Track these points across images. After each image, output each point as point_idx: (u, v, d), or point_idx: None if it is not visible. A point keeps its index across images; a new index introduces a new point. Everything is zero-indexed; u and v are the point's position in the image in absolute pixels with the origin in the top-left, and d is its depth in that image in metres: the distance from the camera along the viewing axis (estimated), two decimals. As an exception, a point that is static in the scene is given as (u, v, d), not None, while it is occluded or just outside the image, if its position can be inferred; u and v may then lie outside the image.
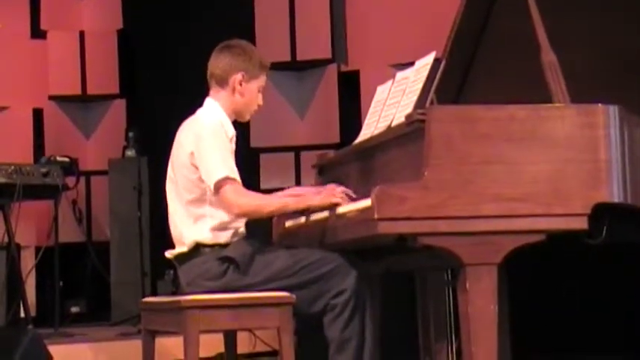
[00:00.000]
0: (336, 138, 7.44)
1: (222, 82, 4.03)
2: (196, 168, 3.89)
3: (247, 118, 4.14)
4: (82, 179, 7.44)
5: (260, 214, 3.97)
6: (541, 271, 5.07)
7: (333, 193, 3.90)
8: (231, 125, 4.02)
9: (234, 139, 4.02)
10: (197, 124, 3.97)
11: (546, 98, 3.66)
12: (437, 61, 3.96)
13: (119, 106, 8.22)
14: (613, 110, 3.54)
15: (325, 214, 3.91)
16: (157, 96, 8.01)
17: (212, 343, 4.81)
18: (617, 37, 4.27)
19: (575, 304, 5.23)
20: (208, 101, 4.06)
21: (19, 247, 6.47)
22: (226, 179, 3.82)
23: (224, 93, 4.04)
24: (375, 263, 4.16)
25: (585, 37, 4.21)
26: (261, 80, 4.08)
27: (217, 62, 4.04)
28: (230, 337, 4.25)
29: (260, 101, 4.09)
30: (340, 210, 3.80)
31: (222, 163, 3.84)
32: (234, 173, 3.86)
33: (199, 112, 4.05)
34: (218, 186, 3.83)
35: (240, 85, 4.02)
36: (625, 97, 3.82)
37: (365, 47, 7.51)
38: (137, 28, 8.24)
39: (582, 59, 4.13)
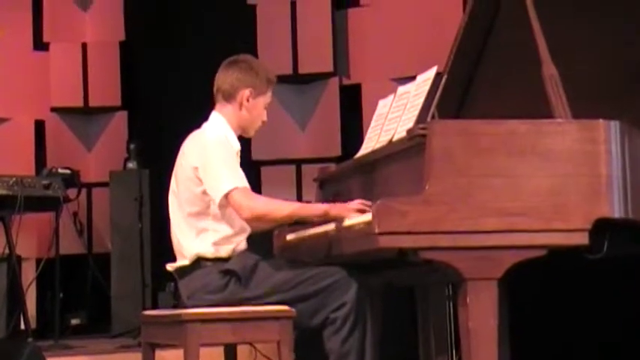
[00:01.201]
0: (337, 151, 7.45)
1: (230, 98, 4.03)
2: (200, 181, 3.89)
3: (252, 134, 4.14)
4: (84, 191, 7.44)
5: (272, 217, 3.95)
6: (542, 286, 5.07)
7: (354, 206, 3.79)
8: (236, 139, 4.02)
9: (239, 153, 4.02)
10: (202, 137, 3.97)
11: (547, 112, 3.66)
12: (438, 76, 3.97)
13: (121, 118, 8.22)
14: (614, 125, 3.54)
15: (326, 227, 3.90)
16: (158, 108, 8.01)
17: (212, 357, 4.80)
18: (618, 47, 4.28)
19: (575, 319, 5.23)
20: (214, 115, 4.06)
21: (19, 259, 6.46)
22: (235, 188, 3.82)
23: (230, 108, 4.04)
24: (376, 277, 4.16)
25: (587, 49, 4.21)
26: (268, 97, 4.08)
27: (225, 77, 4.04)
28: (230, 351, 4.24)
29: (264, 117, 4.09)
30: (342, 224, 3.79)
31: (230, 175, 3.84)
32: (244, 182, 3.86)
33: (205, 125, 4.05)
34: (227, 196, 3.82)
35: (248, 101, 4.02)
36: (627, 107, 3.83)
37: (366, 61, 7.52)
38: (139, 41, 8.25)
39: (584, 71, 4.14)
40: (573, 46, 4.10)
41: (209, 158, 3.87)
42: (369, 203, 3.72)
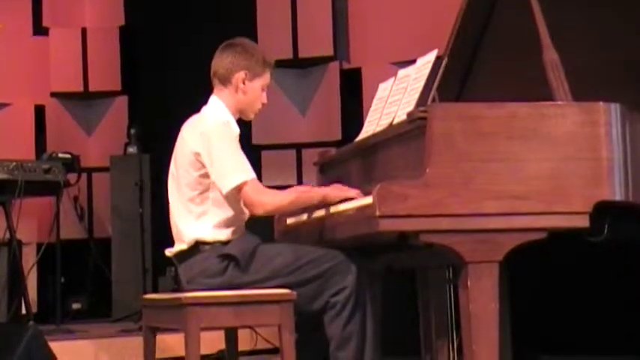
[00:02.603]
0: (337, 135, 7.45)
1: (225, 81, 4.02)
2: (202, 165, 3.87)
3: (251, 116, 4.13)
4: (84, 176, 7.45)
5: (282, 210, 4.01)
6: (542, 269, 5.08)
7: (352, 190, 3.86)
8: (236, 124, 4.01)
9: (237, 137, 4.01)
10: (203, 123, 3.95)
11: (548, 96, 3.66)
12: (439, 59, 3.96)
13: (121, 103, 8.23)
14: (614, 108, 3.54)
15: (326, 211, 3.90)
16: (158, 93, 8.01)
17: (213, 340, 4.81)
18: (618, 35, 4.27)
19: (576, 303, 5.24)
20: (213, 99, 4.05)
21: (20, 244, 6.47)
22: (244, 182, 3.82)
23: (227, 92, 4.03)
24: (376, 260, 4.16)
25: (587, 36, 4.21)
26: (265, 78, 4.07)
27: (220, 61, 4.04)
28: (231, 335, 4.25)
29: (264, 100, 4.08)
30: (341, 207, 3.79)
31: (239, 166, 3.83)
32: (251, 172, 3.85)
33: (204, 110, 4.04)
34: (237, 189, 3.82)
35: (243, 83, 4.01)
36: (627, 94, 3.82)
37: (367, 45, 7.51)
38: (139, 25, 8.24)
39: (584, 57, 4.13)
40: (571, 33, 4.09)
41: (214, 149, 3.85)
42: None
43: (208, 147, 3.86)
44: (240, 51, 4.03)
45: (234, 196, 3.87)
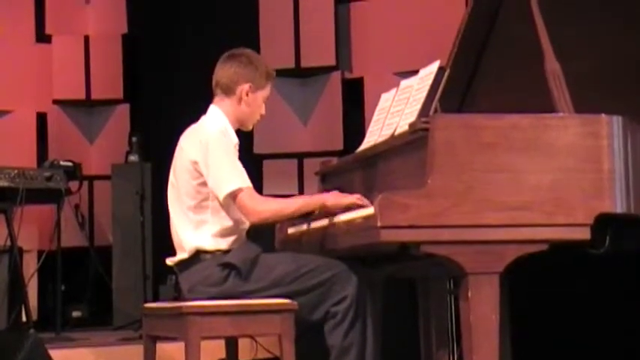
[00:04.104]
0: (339, 145, 7.45)
1: (229, 91, 4.03)
2: (200, 174, 3.89)
3: (250, 127, 4.14)
4: (85, 184, 7.45)
5: (278, 217, 3.99)
6: (543, 281, 5.07)
7: (351, 197, 3.87)
8: (234, 133, 4.02)
9: (237, 147, 4.01)
10: (202, 131, 3.96)
11: (550, 107, 3.66)
12: (441, 70, 3.96)
13: (123, 111, 8.23)
14: (616, 120, 3.54)
15: (327, 221, 3.91)
16: (160, 101, 8.01)
17: (213, 350, 4.80)
18: (620, 44, 4.27)
19: (576, 314, 5.23)
20: (212, 109, 4.06)
21: (21, 251, 6.46)
22: (240, 189, 3.82)
23: (229, 102, 4.04)
24: (377, 270, 4.16)
25: (588, 45, 4.21)
26: (267, 90, 4.08)
27: (224, 71, 4.04)
28: (231, 344, 4.25)
29: (263, 111, 4.09)
30: (342, 217, 3.79)
31: (235, 173, 3.84)
32: (247, 181, 3.86)
33: (203, 119, 4.05)
34: (233, 196, 3.83)
35: (247, 95, 4.02)
36: (629, 104, 3.83)
37: (369, 55, 7.52)
38: (142, 33, 8.24)
39: (586, 67, 4.13)
40: (575, 43, 4.09)
41: (211, 156, 3.86)
42: (366, 201, 3.75)
43: (206, 155, 3.87)
44: (245, 62, 4.04)
45: (231, 204, 3.87)
